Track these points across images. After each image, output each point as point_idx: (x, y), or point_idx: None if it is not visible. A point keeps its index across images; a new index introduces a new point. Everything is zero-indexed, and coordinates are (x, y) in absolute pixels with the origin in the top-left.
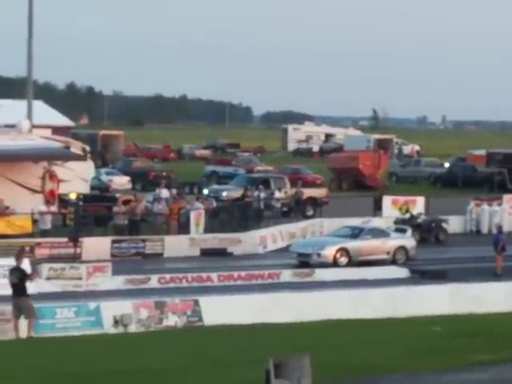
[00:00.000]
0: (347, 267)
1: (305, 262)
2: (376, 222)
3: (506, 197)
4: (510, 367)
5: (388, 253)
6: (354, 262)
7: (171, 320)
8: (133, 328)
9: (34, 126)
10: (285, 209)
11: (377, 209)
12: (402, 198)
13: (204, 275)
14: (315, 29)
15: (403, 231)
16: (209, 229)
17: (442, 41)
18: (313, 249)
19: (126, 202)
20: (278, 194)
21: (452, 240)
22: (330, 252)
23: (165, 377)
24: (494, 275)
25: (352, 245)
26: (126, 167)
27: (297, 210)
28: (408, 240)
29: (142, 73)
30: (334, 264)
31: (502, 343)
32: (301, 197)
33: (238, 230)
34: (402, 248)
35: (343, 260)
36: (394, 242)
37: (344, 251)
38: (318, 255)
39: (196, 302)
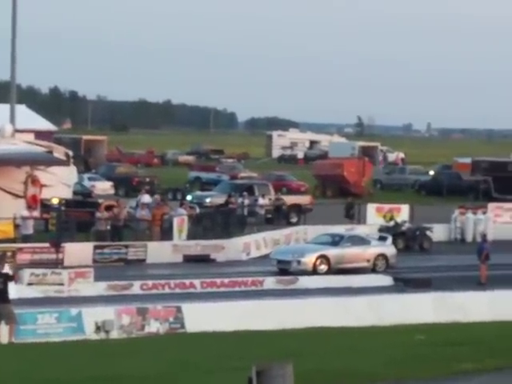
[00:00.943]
0: (329, 275)
1: (284, 269)
2: (360, 230)
3: (491, 205)
4: (494, 376)
5: (368, 260)
6: (333, 270)
7: (153, 326)
8: (115, 334)
9: (16, 131)
10: (269, 216)
11: (348, 216)
12: (386, 206)
13: (187, 282)
14: (301, 36)
15: (384, 239)
16: (192, 235)
17: (428, 48)
18: (293, 256)
19: (108, 208)
20: (261, 201)
21: (436, 248)
22: (309, 259)
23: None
24: (478, 284)
25: (332, 252)
26: (109, 172)
27: (277, 217)
28: (388, 248)
29: (126, 77)
30: (314, 271)
31: (486, 352)
32: (281, 204)
33: (221, 237)
34: (382, 256)
35: (323, 267)
36: (374, 249)
37: (324, 259)
38: (298, 262)
39: (178, 309)
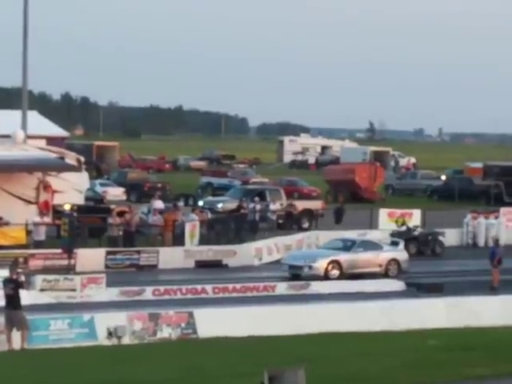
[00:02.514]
0: (341, 280)
1: (296, 274)
2: (372, 235)
3: (503, 210)
4: (506, 381)
5: (380, 265)
6: (345, 275)
7: (165, 332)
8: (127, 340)
9: (28, 137)
10: (280, 221)
11: (337, 222)
12: (398, 211)
13: (199, 287)
14: (312, 40)
15: (396, 244)
16: (204, 241)
17: (439, 52)
18: (304, 261)
19: (120, 214)
20: (273, 206)
21: (448, 253)
22: (321, 264)
23: None
24: (491, 289)
25: (344, 257)
26: (121, 178)
27: (288, 222)
28: (400, 253)
29: (137, 83)
30: (326, 277)
31: (498, 357)
32: (292, 210)
33: (233, 242)
34: (395, 261)
35: (335, 272)
36: (387, 254)
37: (336, 264)
38: (310, 267)
39: (190, 314)
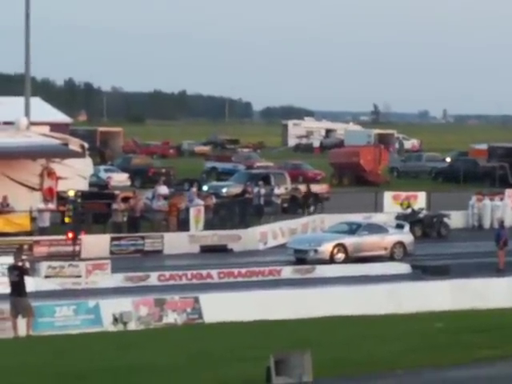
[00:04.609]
0: (346, 263)
1: (301, 258)
2: (377, 218)
3: (508, 191)
4: None
5: (385, 248)
6: (351, 258)
7: (171, 317)
8: (132, 326)
9: (32, 123)
10: (285, 205)
11: (305, 206)
12: (403, 194)
13: (204, 272)
14: (316, 22)
15: (401, 227)
16: (209, 225)
17: (443, 35)
18: (310, 245)
19: (124, 199)
20: (278, 190)
21: (454, 235)
22: (326, 248)
23: (164, 374)
24: (497, 270)
25: (349, 241)
26: (125, 164)
27: (293, 206)
28: (406, 235)
29: (140, 68)
30: (331, 260)
31: (504, 338)
32: (297, 194)
33: (238, 227)
34: (400, 243)
35: (340, 256)
36: (392, 237)
37: (341, 247)
38: (315, 251)
39: (196, 300)
